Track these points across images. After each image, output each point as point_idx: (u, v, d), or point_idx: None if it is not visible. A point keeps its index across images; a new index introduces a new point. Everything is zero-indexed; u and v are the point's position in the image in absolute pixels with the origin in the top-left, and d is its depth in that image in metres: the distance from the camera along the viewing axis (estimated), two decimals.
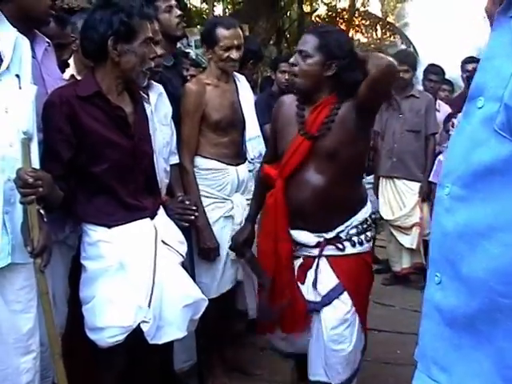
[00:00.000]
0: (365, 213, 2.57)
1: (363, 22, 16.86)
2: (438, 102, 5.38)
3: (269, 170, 2.62)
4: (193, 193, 2.97)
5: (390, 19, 21.67)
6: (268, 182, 2.61)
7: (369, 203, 2.63)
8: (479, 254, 0.97)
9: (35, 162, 1.99)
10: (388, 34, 16.91)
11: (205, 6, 16.00)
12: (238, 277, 3.18)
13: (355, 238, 2.52)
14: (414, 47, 14.16)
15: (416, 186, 4.96)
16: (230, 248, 2.91)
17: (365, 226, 2.55)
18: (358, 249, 2.53)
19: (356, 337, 2.48)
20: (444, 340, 1.05)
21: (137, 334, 2.22)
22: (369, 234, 2.57)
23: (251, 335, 3.51)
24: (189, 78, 3.67)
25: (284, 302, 2.50)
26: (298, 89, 2.47)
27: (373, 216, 2.61)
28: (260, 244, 2.69)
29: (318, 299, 2.48)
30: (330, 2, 17.64)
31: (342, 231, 2.50)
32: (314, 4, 17.03)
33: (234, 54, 3.04)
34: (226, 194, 3.09)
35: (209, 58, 3.14)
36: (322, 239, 2.49)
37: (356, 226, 2.52)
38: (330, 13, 16.97)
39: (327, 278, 2.48)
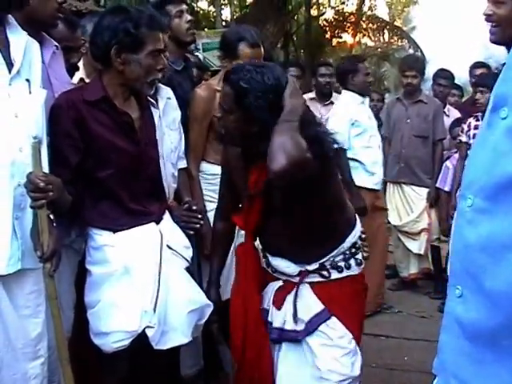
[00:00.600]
0: (353, 237, 2.24)
1: (370, 25, 16.88)
2: (448, 107, 5.36)
3: (236, 219, 2.26)
4: (197, 198, 2.95)
5: (398, 23, 21.70)
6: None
7: (357, 226, 2.29)
8: (503, 267, 0.95)
9: (45, 167, 1.99)
10: (395, 38, 16.92)
11: (212, 8, 16.06)
12: None
13: (342, 264, 2.21)
14: (421, 51, 14.16)
15: (424, 191, 4.94)
16: None
17: (353, 250, 2.24)
18: (345, 273, 2.22)
19: (356, 366, 2.17)
20: (464, 354, 1.03)
21: (141, 339, 2.21)
22: (358, 256, 2.25)
23: None
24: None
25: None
26: (231, 145, 2.18)
27: (362, 236, 2.31)
28: (231, 301, 2.33)
29: (301, 327, 2.16)
30: (338, 6, 17.65)
31: (327, 261, 2.19)
32: (321, 8, 17.06)
33: None
34: None
35: (223, 66, 3.09)
36: (304, 269, 2.19)
37: (343, 253, 2.21)
38: (337, 16, 16.99)
39: (310, 304, 2.17)
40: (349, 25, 16.88)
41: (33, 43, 2.04)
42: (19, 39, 1.96)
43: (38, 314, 1.99)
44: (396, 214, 5.06)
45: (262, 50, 3.04)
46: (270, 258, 2.25)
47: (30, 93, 1.96)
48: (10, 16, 1.97)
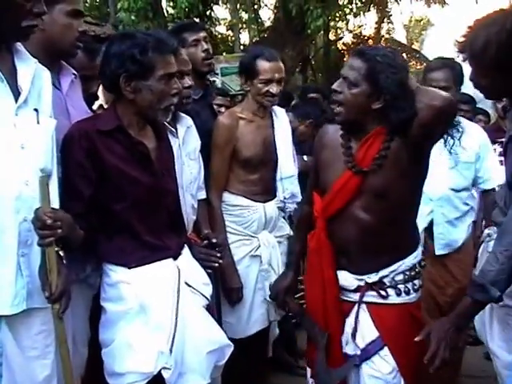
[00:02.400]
0: (414, 258, 2.25)
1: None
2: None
3: (317, 200, 2.31)
4: (219, 230, 2.87)
5: (415, 46, 21.66)
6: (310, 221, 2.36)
7: (420, 248, 2.32)
8: None
9: (54, 200, 1.90)
10: (413, 62, 16.86)
11: (230, 33, 16.15)
12: (270, 318, 3.05)
13: (401, 286, 2.20)
14: None
15: None
16: (270, 297, 2.66)
17: (413, 273, 2.23)
18: (403, 298, 2.20)
19: None
20: None
21: (157, 380, 2.10)
22: (417, 282, 2.24)
23: None
24: (216, 107, 3.57)
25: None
26: (342, 119, 2.18)
27: (422, 263, 2.31)
28: (307, 292, 2.38)
29: (358, 352, 2.19)
30: (356, 30, 17.67)
31: (387, 276, 2.19)
32: (339, 32, 17.06)
33: (275, 89, 2.92)
34: (253, 231, 2.99)
35: (246, 91, 3.02)
36: (362, 283, 2.20)
37: (403, 272, 2.21)
38: (355, 40, 17.00)
39: (366, 329, 2.19)
40: None
41: (43, 71, 1.96)
42: (27, 67, 1.88)
43: (46, 356, 1.90)
44: None
45: (282, 65, 2.98)
46: None
47: (38, 123, 1.87)
48: (18, 44, 1.89)
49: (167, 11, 13.02)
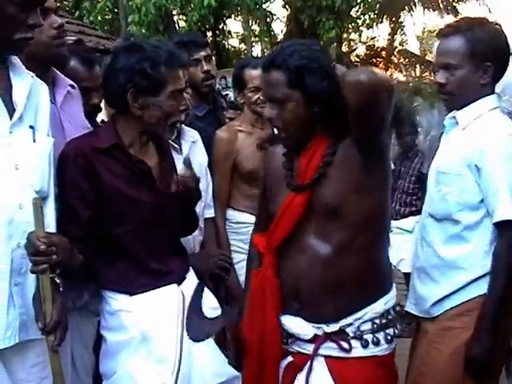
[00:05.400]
0: (385, 302, 1.85)
1: (402, 60, 16.79)
2: None
3: (258, 239, 2.00)
4: (224, 250, 2.79)
5: (429, 57, 21.51)
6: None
7: (393, 289, 1.92)
8: None
9: (50, 223, 1.78)
10: (427, 72, 16.74)
11: (243, 46, 16.13)
12: None
13: (368, 336, 1.81)
14: None
15: None
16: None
17: (384, 321, 1.84)
18: (371, 350, 1.81)
19: None
20: None
21: None
22: (390, 331, 1.86)
23: None
24: (228, 122, 3.47)
25: None
26: (287, 142, 1.93)
27: (397, 308, 1.92)
28: (246, 333, 1.95)
29: None
30: (369, 41, 17.62)
31: (350, 325, 1.81)
32: (352, 44, 17.01)
33: None
34: None
35: (242, 103, 2.96)
36: (320, 332, 1.82)
37: (371, 320, 1.82)
38: (368, 52, 16.95)
39: None
40: (380, 60, 16.81)
41: (40, 86, 1.85)
42: (23, 82, 1.77)
43: None
44: None
45: None
46: (282, 318, 1.87)
47: (35, 141, 1.75)
48: (14, 57, 1.78)
49: (178, 24, 13.03)
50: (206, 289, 2.23)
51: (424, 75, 17.53)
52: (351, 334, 1.81)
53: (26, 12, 1.67)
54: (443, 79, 2.17)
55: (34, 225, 1.66)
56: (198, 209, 2.57)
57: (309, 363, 1.83)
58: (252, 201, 2.84)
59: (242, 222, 2.86)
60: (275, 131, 1.96)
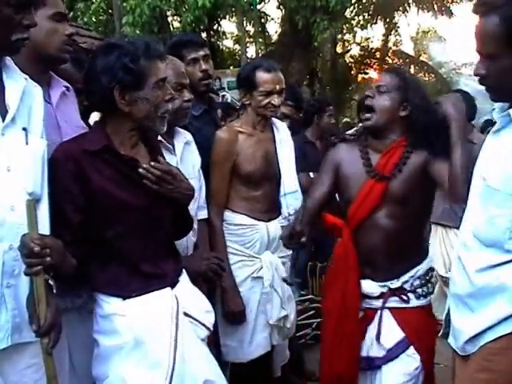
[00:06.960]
0: (427, 263, 2.47)
1: (396, 61, 16.79)
2: (473, 133, 4.98)
3: (332, 219, 2.55)
4: (219, 251, 2.75)
5: (423, 58, 21.56)
6: (331, 231, 2.55)
7: (430, 254, 2.54)
8: None
9: (44, 226, 1.76)
10: (422, 73, 16.77)
11: (237, 47, 16.13)
12: (273, 341, 2.93)
13: (419, 290, 2.42)
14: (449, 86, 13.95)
15: None
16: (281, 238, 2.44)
17: (427, 277, 2.45)
18: (421, 301, 2.42)
19: None
20: None
21: None
22: (430, 286, 2.47)
23: None
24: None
25: None
26: (373, 124, 2.37)
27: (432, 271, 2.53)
28: (326, 298, 2.60)
29: (382, 354, 2.37)
30: (363, 42, 17.63)
31: (407, 282, 2.40)
32: (346, 44, 17.02)
33: (276, 100, 2.82)
34: (255, 251, 2.87)
35: (246, 104, 2.91)
36: (385, 289, 2.40)
37: (419, 277, 2.42)
38: (362, 53, 16.95)
39: (392, 332, 2.38)
40: (374, 61, 16.82)
41: (34, 87, 1.83)
42: (16, 83, 1.75)
43: None
44: (442, 262, 4.59)
45: (282, 76, 2.88)
46: None
47: (27, 143, 1.73)
48: (7, 58, 1.76)
49: (173, 25, 13.00)
50: (198, 291, 2.22)
51: (418, 76, 17.59)
52: (408, 289, 2.40)
53: (22, 13, 1.67)
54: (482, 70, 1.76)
55: (27, 227, 1.64)
56: (191, 211, 2.57)
57: (378, 313, 2.40)
58: (249, 203, 2.84)
59: (238, 224, 2.84)
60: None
